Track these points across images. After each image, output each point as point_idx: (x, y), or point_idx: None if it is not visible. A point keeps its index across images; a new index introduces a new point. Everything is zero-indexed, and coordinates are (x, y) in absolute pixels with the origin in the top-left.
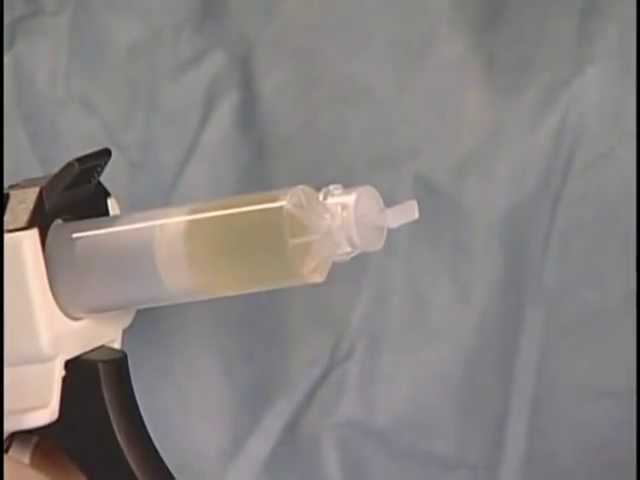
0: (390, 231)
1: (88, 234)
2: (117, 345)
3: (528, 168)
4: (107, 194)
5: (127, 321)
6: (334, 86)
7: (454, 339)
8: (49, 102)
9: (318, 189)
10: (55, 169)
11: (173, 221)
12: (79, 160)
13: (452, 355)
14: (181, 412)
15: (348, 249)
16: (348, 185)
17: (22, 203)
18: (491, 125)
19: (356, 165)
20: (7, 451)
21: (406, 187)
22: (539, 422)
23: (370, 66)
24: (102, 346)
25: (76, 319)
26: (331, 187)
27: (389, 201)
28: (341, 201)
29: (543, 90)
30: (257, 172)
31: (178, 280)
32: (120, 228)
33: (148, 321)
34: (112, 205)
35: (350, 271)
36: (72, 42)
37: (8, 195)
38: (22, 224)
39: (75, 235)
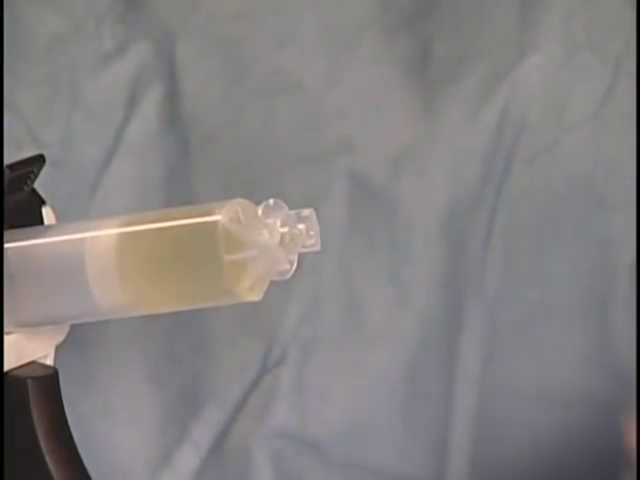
0: (324, 231)
1: (17, 245)
2: (49, 361)
3: (467, 163)
4: (42, 202)
5: (60, 336)
6: (261, 78)
7: (392, 343)
8: None
9: (246, 190)
10: None
11: (105, 233)
12: (10, 166)
13: (390, 360)
14: (106, 421)
15: (287, 267)
16: (280, 183)
17: None
18: (427, 118)
19: (286, 162)
20: None
21: (340, 184)
22: (483, 428)
23: (299, 57)
24: (33, 362)
25: (4, 333)
26: (271, 201)
27: (323, 200)
28: (281, 217)
29: (481, 81)
30: (184, 170)
31: (109, 295)
32: (50, 239)
33: (70, 327)
34: (47, 214)
35: None
36: None
37: None
38: None
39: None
